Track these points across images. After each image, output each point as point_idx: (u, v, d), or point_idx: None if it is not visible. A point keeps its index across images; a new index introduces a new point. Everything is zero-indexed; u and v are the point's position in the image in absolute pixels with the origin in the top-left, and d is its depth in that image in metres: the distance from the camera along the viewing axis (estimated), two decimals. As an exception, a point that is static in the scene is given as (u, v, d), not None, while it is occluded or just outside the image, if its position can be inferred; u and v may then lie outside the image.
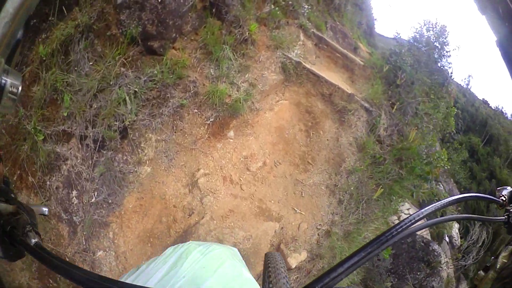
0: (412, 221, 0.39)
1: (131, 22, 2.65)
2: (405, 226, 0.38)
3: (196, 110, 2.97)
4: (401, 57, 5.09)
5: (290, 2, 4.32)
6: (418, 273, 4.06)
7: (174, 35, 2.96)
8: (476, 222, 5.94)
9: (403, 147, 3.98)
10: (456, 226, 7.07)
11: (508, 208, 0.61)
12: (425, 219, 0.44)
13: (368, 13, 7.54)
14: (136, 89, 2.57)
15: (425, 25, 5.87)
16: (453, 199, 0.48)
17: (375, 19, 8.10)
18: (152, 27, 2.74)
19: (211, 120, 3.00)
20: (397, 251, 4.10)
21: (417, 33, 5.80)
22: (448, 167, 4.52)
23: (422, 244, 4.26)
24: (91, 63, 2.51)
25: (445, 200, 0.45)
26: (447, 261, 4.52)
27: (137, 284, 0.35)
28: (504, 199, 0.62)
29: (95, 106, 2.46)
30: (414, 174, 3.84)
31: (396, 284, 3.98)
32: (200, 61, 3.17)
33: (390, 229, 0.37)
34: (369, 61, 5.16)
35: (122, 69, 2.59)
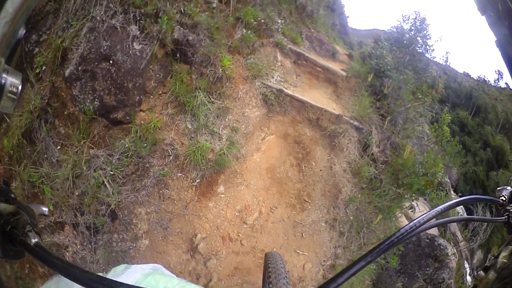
0: (412, 229, 0.39)
1: (86, 96, 2.34)
2: (408, 232, 0.39)
3: (180, 174, 2.73)
4: (384, 60, 4.85)
5: (262, 21, 3.96)
6: (427, 269, 4.10)
7: (137, 97, 2.57)
8: (478, 203, 5.97)
9: (397, 164, 3.85)
10: (461, 207, 7.18)
11: (508, 208, 0.61)
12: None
13: (340, 12, 7.51)
14: (112, 171, 2.39)
15: (404, 21, 5.72)
16: (454, 202, 0.48)
17: (348, 17, 8.11)
18: (110, 98, 2.40)
19: (197, 181, 2.78)
20: (403, 251, 4.11)
21: (397, 31, 5.60)
22: (442, 172, 4.38)
23: (427, 240, 4.28)
24: (58, 147, 2.38)
25: (444, 205, 0.46)
26: (454, 252, 4.53)
27: None
28: (504, 199, 0.62)
29: (77, 193, 2.33)
30: (412, 191, 3.75)
31: (407, 283, 4.03)
32: (174, 116, 2.82)
33: (393, 236, 0.38)
34: (352, 70, 4.90)
35: (91, 151, 2.39)
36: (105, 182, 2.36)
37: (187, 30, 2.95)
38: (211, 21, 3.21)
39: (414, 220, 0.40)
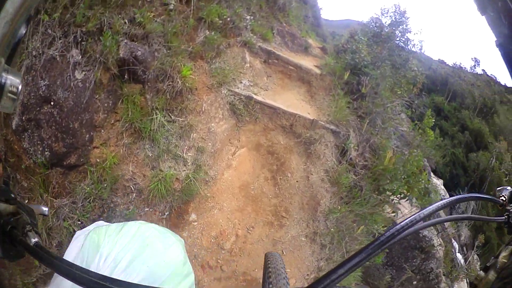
0: (412, 223, 0.39)
1: (36, 148, 2.21)
2: (406, 227, 0.38)
3: (147, 209, 2.57)
4: (360, 55, 4.50)
5: (228, 19, 3.61)
6: (414, 260, 4.21)
7: (87, 135, 2.35)
8: (461, 191, 6.08)
9: (378, 168, 3.65)
10: (443, 190, 7.23)
11: (508, 208, 0.61)
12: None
13: (313, 4, 7.38)
14: (79, 219, 2.28)
15: (383, 14, 5.44)
16: (452, 200, 0.48)
17: (321, 8, 7.98)
18: (58, 145, 2.23)
19: (166, 213, 2.63)
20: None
21: (375, 25, 5.28)
22: (428, 184, 4.35)
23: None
24: (26, 201, 2.23)
25: (444, 200, 0.45)
26: (440, 243, 4.58)
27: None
28: (504, 199, 0.62)
29: (55, 244, 2.24)
30: (394, 196, 3.66)
31: (396, 275, 4.09)
32: (131, 146, 2.56)
33: (390, 231, 0.37)
34: (327, 67, 4.60)
35: (55, 203, 2.26)
36: (76, 231, 2.27)
37: (136, 43, 2.56)
38: (168, 26, 2.82)
39: (414, 214, 0.40)
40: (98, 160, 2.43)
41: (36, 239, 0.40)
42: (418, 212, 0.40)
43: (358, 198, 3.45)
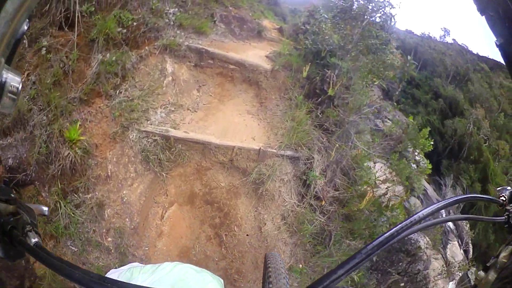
0: (411, 223, 0.39)
1: None
2: (406, 227, 0.38)
3: None
4: (323, 37, 3.41)
5: (141, 20, 2.73)
6: (400, 264, 4.08)
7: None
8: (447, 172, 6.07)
9: (352, 209, 2.83)
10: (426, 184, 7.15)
11: (508, 208, 0.61)
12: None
13: None
14: None
15: None
16: (452, 200, 0.48)
17: None
18: None
19: None
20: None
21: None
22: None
23: (396, 235, 4.40)
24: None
25: (444, 201, 0.45)
26: (427, 241, 4.42)
27: None
28: (504, 199, 0.62)
29: None
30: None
31: (381, 279, 3.99)
32: (55, 250, 2.22)
33: (390, 231, 0.37)
34: (281, 59, 3.54)
35: None
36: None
37: (3, 144, 2.05)
38: (46, 78, 2.15)
39: (414, 215, 0.40)
40: (38, 276, 2.12)
41: (36, 239, 0.41)
42: (418, 212, 0.40)
43: (326, 247, 2.71)
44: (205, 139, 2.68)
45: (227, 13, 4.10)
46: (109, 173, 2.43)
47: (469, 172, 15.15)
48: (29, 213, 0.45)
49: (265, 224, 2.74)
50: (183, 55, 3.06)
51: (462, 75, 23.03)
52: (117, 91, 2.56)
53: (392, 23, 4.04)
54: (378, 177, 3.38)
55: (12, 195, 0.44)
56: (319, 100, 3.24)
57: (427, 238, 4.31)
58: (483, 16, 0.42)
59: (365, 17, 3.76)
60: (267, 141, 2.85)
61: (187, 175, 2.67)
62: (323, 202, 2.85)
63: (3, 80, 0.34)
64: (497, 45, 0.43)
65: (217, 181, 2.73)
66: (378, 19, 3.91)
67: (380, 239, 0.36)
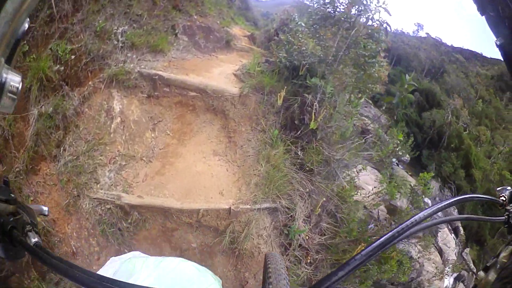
0: (412, 224, 0.39)
1: None
2: (406, 228, 0.38)
3: None
4: (300, 49, 2.92)
5: (83, 49, 2.30)
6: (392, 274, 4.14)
7: None
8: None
9: (340, 257, 2.57)
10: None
11: (508, 208, 0.61)
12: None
13: None
14: None
15: None
16: (453, 201, 0.48)
17: None
18: None
19: None
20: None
21: (323, 1, 3.44)
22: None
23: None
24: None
25: (443, 202, 0.45)
26: (420, 250, 4.26)
27: None
28: (504, 199, 0.62)
29: None
30: None
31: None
32: None
33: (390, 232, 0.37)
34: (250, 79, 3.02)
35: None
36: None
37: None
38: None
39: (414, 216, 0.40)
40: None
41: (36, 239, 0.41)
42: (418, 213, 0.40)
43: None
44: (164, 203, 2.29)
45: (191, 23, 3.65)
46: (74, 249, 2.18)
47: (451, 160, 15.34)
48: (29, 213, 0.45)
49: (247, 282, 2.43)
50: (134, 85, 2.60)
51: (438, 68, 23.46)
52: (61, 149, 2.22)
53: (378, 30, 3.31)
54: (369, 195, 3.30)
55: (12, 195, 0.44)
56: (298, 133, 2.75)
57: (418, 246, 4.15)
58: (483, 16, 0.42)
59: (349, 23, 3.18)
60: (239, 195, 2.47)
61: (153, 238, 2.36)
62: (308, 258, 2.58)
63: (3, 80, 0.34)
64: (497, 45, 0.43)
65: (187, 242, 2.39)
66: (369, 30, 3.29)
67: (381, 240, 0.35)
